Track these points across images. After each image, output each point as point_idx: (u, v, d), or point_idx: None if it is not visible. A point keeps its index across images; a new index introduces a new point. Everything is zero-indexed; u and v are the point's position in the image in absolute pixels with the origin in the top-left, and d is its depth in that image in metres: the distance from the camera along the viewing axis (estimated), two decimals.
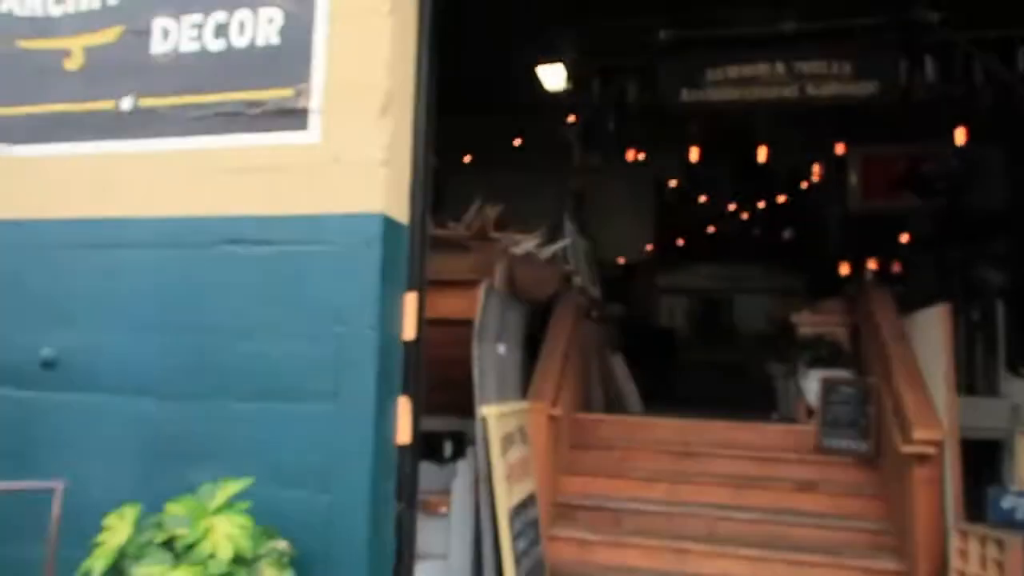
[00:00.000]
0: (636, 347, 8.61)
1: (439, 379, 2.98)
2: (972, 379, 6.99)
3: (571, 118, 8.32)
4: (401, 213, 2.63)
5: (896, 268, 11.08)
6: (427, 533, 3.37)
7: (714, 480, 5.25)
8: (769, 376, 8.12)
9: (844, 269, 11.04)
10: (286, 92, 2.62)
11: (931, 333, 4.84)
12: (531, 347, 5.23)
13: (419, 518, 2.77)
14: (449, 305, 3.61)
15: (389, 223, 2.53)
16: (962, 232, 9.77)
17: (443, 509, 3.80)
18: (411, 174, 2.70)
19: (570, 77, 8.17)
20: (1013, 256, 8.76)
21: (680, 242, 13.24)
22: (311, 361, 2.49)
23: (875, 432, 5.23)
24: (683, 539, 4.69)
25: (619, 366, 7.50)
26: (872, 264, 10.95)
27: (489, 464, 3.59)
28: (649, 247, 13.19)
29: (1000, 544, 3.72)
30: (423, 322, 2.69)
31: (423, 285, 2.72)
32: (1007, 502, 3.97)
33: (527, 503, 4.03)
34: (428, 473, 3.57)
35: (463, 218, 4.42)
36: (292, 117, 2.60)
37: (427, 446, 3.43)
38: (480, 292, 3.80)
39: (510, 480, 3.75)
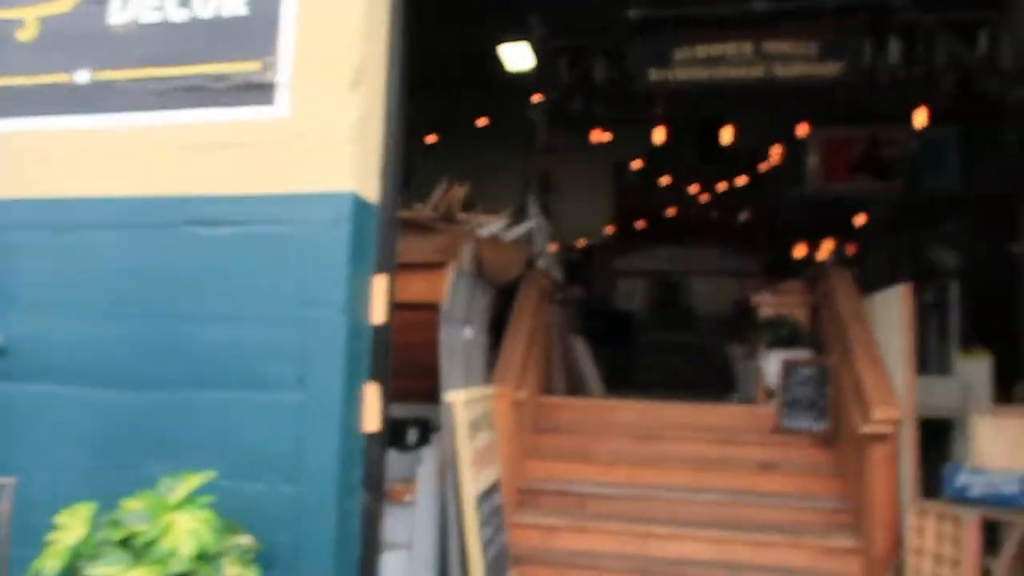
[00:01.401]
0: (596, 330, 8.63)
1: (403, 364, 2.90)
2: (924, 359, 7.15)
3: (536, 97, 8.21)
4: (371, 192, 2.53)
5: (851, 250, 11.28)
6: (391, 522, 3.30)
7: (676, 463, 5.26)
8: (728, 358, 8.19)
9: (800, 251, 11.20)
10: (253, 65, 2.49)
11: (891, 313, 4.89)
12: (495, 331, 5.17)
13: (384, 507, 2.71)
14: (414, 288, 3.52)
15: (358, 202, 2.43)
16: (918, 215, 9.98)
17: (407, 498, 3.73)
18: (382, 152, 2.59)
19: (537, 56, 8.05)
20: (966, 238, 8.98)
21: (639, 224, 13.26)
22: (277, 347, 2.39)
23: (833, 412, 5.31)
24: (646, 522, 4.70)
25: (581, 349, 7.49)
26: (828, 246, 11.13)
27: (456, 451, 3.53)
28: (608, 229, 13.19)
29: (956, 520, 3.81)
30: (392, 305, 2.61)
31: (393, 267, 2.64)
32: (961, 480, 4.07)
33: (493, 490, 3.99)
34: (392, 461, 3.48)
35: (429, 199, 4.32)
36: (259, 91, 2.47)
37: (391, 433, 3.35)
38: (449, 274, 3.72)
39: (477, 466, 3.70)
